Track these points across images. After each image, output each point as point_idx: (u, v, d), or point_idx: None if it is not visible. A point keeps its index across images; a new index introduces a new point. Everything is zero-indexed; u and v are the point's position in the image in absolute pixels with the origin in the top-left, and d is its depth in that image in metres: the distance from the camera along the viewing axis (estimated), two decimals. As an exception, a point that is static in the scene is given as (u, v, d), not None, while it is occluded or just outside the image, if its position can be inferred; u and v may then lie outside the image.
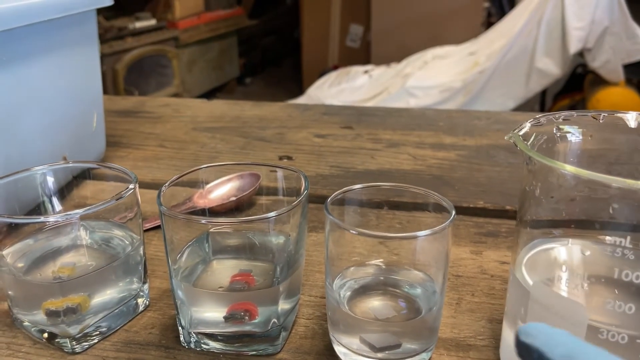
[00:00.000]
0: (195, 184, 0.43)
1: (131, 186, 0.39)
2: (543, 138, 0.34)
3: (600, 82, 2.22)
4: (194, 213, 0.46)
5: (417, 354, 0.36)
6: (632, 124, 0.33)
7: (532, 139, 0.33)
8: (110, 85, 2.75)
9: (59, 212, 0.44)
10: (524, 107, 2.31)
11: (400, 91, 2.31)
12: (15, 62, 0.52)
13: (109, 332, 0.40)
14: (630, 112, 0.33)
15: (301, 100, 2.57)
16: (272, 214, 0.35)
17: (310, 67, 3.55)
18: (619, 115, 0.33)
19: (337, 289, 0.37)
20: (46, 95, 0.57)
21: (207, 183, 0.44)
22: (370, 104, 2.31)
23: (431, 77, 2.34)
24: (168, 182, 0.39)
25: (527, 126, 0.33)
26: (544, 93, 2.51)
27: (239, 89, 3.96)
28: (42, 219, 0.38)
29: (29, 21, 0.52)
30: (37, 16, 0.53)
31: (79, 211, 0.37)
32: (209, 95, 3.53)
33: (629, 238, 0.28)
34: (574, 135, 0.34)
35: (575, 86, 2.43)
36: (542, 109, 2.59)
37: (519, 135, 0.32)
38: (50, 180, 0.43)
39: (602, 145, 0.35)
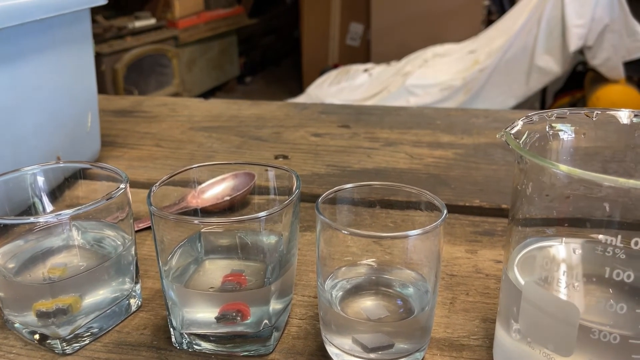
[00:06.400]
0: (188, 184, 0.43)
1: (122, 186, 0.39)
2: (536, 136, 0.33)
3: (600, 79, 2.22)
4: (187, 213, 0.46)
5: (410, 354, 0.35)
6: (625, 121, 0.33)
7: (524, 137, 0.33)
8: (110, 85, 2.75)
9: (50, 212, 0.44)
10: (525, 105, 2.30)
11: (400, 89, 2.31)
12: (8, 61, 0.51)
13: (100, 333, 0.40)
14: (623, 109, 0.33)
15: (301, 99, 2.56)
16: (263, 213, 0.35)
17: (310, 65, 3.55)
18: (612, 112, 0.33)
19: (329, 289, 0.37)
20: (40, 95, 0.56)
21: (200, 183, 0.44)
22: (370, 102, 2.30)
23: (431, 75, 2.34)
24: (158, 182, 0.39)
25: (519, 124, 0.33)
26: (544, 91, 2.51)
27: (239, 88, 3.96)
28: (32, 219, 0.38)
29: (22, 20, 0.51)
30: (30, 15, 0.52)
31: (69, 211, 0.36)
32: (209, 94, 3.53)
33: (619, 237, 0.27)
34: (566, 133, 0.34)
35: (576, 84, 2.42)
36: (543, 107, 2.58)
37: (511, 134, 0.32)
38: (41, 180, 0.43)
39: (595, 143, 0.34)
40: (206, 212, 0.48)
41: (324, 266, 0.36)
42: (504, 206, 0.57)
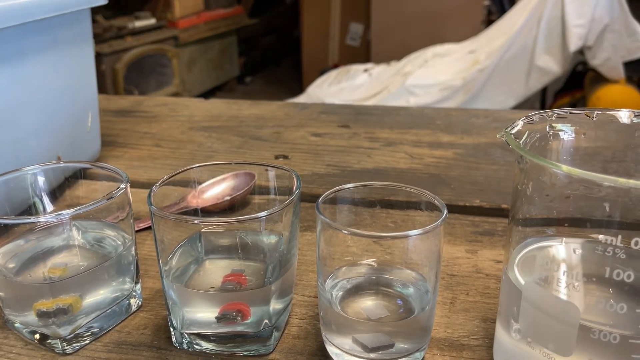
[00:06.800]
0: (188, 184, 0.43)
1: (122, 186, 0.39)
2: (536, 136, 0.33)
3: (600, 79, 2.22)
4: (187, 213, 0.46)
5: (410, 354, 0.35)
6: (625, 121, 0.33)
7: (524, 137, 0.33)
8: (110, 85, 2.75)
9: (51, 212, 0.44)
10: (525, 105, 2.30)
11: (400, 89, 2.31)
12: (8, 61, 0.51)
13: (100, 332, 0.40)
14: (623, 109, 0.33)
15: (301, 99, 2.56)
16: (264, 213, 0.35)
17: (310, 65, 3.55)
18: (612, 112, 0.33)
19: (329, 289, 0.37)
20: (40, 95, 0.56)
21: (200, 183, 0.44)
22: (370, 102, 2.30)
23: (431, 75, 2.34)
24: (159, 182, 0.39)
25: (519, 124, 0.33)
26: (544, 91, 2.51)
27: (239, 88, 3.96)
28: (32, 219, 0.38)
29: (23, 20, 0.51)
30: (30, 15, 0.52)
31: (70, 211, 0.36)
32: (209, 94, 3.53)
33: (620, 237, 0.27)
34: (566, 133, 0.34)
35: (576, 84, 2.42)
36: (543, 107, 2.58)
37: (511, 134, 0.32)
38: (42, 180, 0.43)
39: (595, 143, 0.35)
40: (206, 212, 0.48)
41: (324, 266, 0.36)
42: (504, 206, 0.57)
